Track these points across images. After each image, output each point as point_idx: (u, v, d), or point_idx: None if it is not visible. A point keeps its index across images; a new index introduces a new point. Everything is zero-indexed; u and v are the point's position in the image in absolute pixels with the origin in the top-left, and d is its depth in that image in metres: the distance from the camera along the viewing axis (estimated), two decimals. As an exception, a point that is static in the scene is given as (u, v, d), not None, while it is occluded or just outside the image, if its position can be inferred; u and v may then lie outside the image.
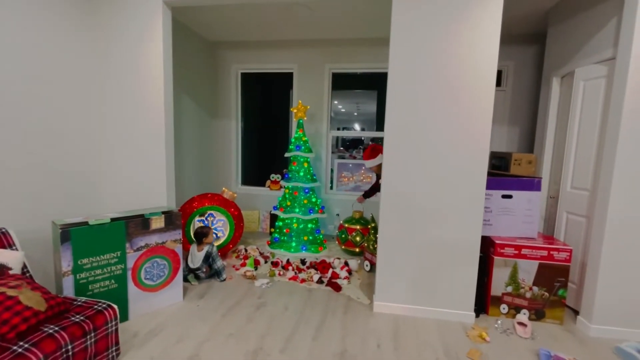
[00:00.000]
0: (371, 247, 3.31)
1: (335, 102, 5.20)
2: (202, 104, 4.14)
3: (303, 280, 2.85)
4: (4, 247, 1.79)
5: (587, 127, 2.38)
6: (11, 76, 2.03)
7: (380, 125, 4.55)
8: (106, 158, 2.66)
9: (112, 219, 2.06)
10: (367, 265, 3.19)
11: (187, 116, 3.83)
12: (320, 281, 2.82)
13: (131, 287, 2.17)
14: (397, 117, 2.25)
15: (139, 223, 2.17)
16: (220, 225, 3.24)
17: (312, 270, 2.94)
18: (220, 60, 4.41)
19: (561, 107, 2.78)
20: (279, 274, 2.94)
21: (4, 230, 1.83)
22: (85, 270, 1.96)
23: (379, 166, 3.26)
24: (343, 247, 3.54)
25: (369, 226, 3.50)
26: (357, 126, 8.40)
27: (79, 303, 1.73)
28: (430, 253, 2.31)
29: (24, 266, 1.83)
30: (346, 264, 3.11)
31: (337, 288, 2.72)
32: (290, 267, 3.04)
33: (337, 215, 4.21)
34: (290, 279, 2.88)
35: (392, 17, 2.19)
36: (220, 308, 2.41)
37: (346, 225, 3.53)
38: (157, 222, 2.27)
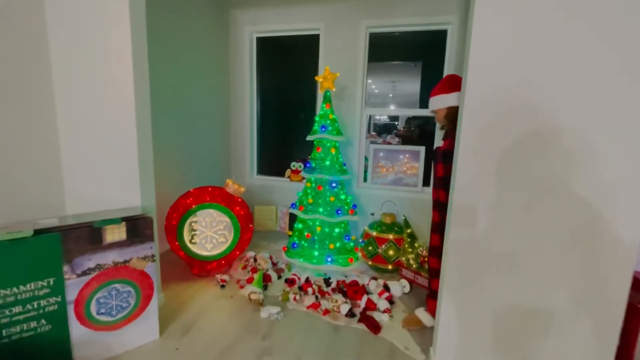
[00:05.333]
0: (411, 261, 2.46)
1: (369, 80, 4.24)
2: (208, 77, 3.40)
3: (327, 312, 2.06)
4: None
5: None
6: None
7: (425, 105, 3.57)
8: (62, 148, 1.97)
9: (37, 231, 1.37)
10: (405, 287, 2.36)
11: (189, 92, 3.10)
12: (350, 314, 2.03)
13: (75, 328, 1.50)
14: (491, 85, 1.33)
15: (84, 235, 1.47)
16: (221, 229, 2.52)
17: (340, 297, 2.14)
18: (231, 22, 3.62)
19: None
20: (295, 299, 2.18)
21: None
22: (-6, 309, 1.30)
23: (450, 110, 1.81)
24: (370, 262, 2.69)
25: (405, 233, 2.63)
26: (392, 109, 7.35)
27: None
28: (531, 295, 1.41)
29: None
30: (386, 288, 2.28)
31: (375, 327, 1.91)
32: (309, 289, 2.26)
33: (372, 215, 3.36)
34: (309, 307, 2.11)
35: None
36: (208, 353, 1.69)
37: (374, 233, 2.67)
38: (115, 233, 1.56)
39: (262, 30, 3.60)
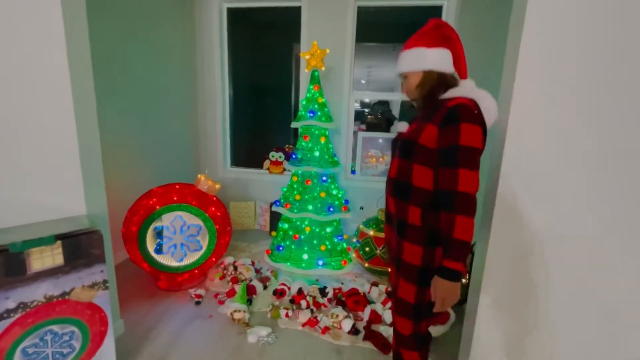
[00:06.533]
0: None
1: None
2: (171, 54, 2.87)
3: (326, 329, 1.76)
4: None
5: None
6: None
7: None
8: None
9: None
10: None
11: (149, 72, 2.58)
12: (354, 330, 1.74)
13: (-9, 393, 1.07)
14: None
15: (-4, 265, 1.03)
16: (193, 235, 2.11)
17: (340, 310, 1.84)
18: (196, -12, 3.09)
19: None
20: (287, 315, 1.86)
21: None
22: None
23: (426, 77, 1.02)
24: (367, 264, 2.41)
25: None
26: (366, 99, 6.98)
27: None
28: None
29: None
30: (389, 295, 2.02)
31: (385, 347, 1.64)
32: (303, 301, 1.95)
33: (361, 209, 3.09)
34: (304, 324, 1.80)
35: None
36: (185, 401, 1.34)
37: (371, 232, 2.39)
38: (46, 258, 1.13)
39: (233, 0, 3.11)
